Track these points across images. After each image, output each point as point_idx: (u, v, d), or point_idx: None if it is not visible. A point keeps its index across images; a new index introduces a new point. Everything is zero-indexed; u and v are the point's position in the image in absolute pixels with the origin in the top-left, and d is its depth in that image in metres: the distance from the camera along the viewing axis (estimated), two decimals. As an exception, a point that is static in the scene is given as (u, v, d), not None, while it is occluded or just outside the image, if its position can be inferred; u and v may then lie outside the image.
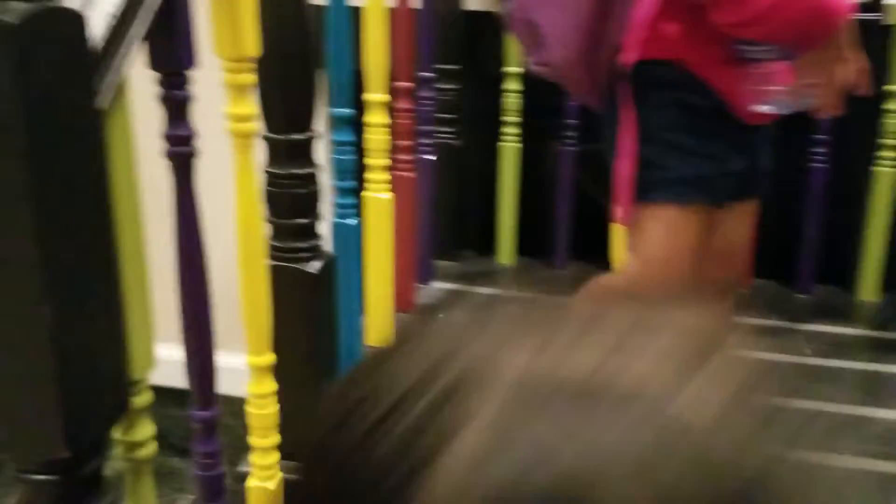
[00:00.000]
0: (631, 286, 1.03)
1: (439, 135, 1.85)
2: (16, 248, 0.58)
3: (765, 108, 1.00)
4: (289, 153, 1.07)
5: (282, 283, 1.05)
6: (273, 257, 1.08)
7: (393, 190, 1.56)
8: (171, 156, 0.82)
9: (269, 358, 1.00)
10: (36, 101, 0.57)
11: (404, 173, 1.60)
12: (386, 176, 1.45)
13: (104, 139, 0.67)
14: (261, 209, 0.97)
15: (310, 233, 1.10)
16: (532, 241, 1.99)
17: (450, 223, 1.95)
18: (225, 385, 1.17)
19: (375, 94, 1.40)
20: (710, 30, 0.93)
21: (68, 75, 0.60)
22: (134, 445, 0.79)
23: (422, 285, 1.81)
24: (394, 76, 1.55)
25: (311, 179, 1.09)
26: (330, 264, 1.12)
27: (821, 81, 0.96)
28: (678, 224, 1.01)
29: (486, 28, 1.79)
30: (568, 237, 1.94)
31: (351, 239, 1.31)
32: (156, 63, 0.81)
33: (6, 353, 0.59)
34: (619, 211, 1.03)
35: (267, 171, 1.07)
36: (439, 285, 1.84)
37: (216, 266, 1.03)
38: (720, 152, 0.99)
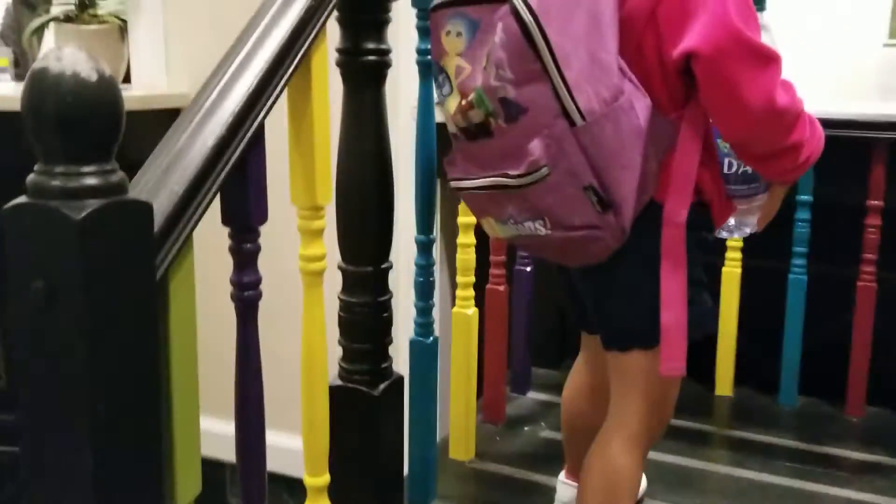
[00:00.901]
0: (657, 427, 1.10)
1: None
2: (68, 395, 0.69)
3: (726, 235, 1.16)
4: (362, 283, 1.16)
5: (344, 403, 1.13)
6: (341, 378, 1.16)
7: (485, 303, 1.62)
8: (237, 300, 0.92)
9: (326, 479, 1.07)
10: (97, 280, 0.68)
11: (497, 287, 1.66)
12: (471, 292, 1.52)
13: (161, 302, 0.78)
14: (324, 340, 1.06)
15: (377, 356, 1.17)
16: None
17: (552, 331, 1.98)
18: (286, 466, 1.26)
19: (465, 217, 1.48)
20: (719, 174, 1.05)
21: (130, 257, 0.71)
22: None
23: (518, 395, 1.85)
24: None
25: (381, 307, 1.17)
26: (395, 385, 1.19)
27: (774, 210, 1.10)
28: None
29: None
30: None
31: (428, 355, 1.38)
32: (228, 219, 0.92)
33: (55, 486, 0.70)
34: (675, 360, 1.00)
35: (340, 298, 1.17)
36: (535, 395, 1.86)
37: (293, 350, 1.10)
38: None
